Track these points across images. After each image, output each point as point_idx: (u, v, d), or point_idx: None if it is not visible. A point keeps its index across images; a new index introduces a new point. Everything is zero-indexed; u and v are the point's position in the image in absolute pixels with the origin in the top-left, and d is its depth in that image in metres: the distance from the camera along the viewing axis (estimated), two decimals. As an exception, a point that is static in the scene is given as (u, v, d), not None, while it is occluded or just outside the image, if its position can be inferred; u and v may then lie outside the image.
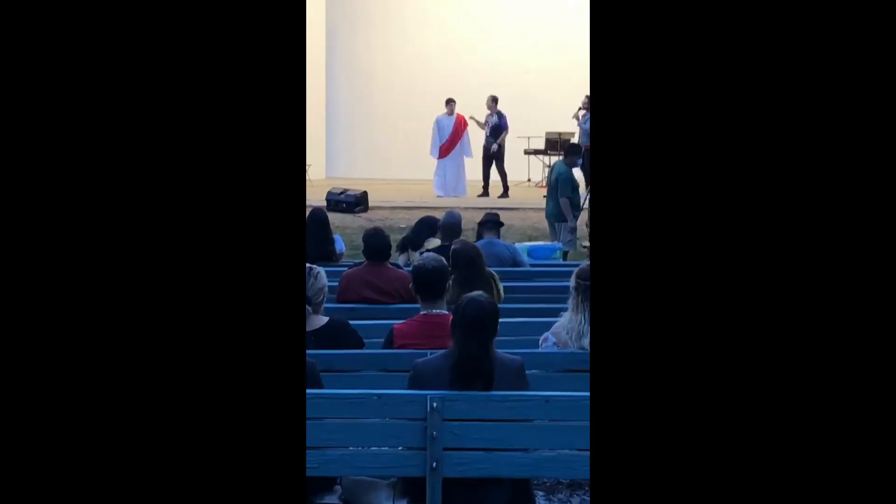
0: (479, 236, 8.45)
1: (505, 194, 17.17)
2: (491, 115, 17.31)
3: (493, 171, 17.27)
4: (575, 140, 16.49)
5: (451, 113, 17.25)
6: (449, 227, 7.66)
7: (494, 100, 17.37)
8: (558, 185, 11.12)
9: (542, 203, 11.80)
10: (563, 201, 10.98)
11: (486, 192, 17.25)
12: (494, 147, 17.15)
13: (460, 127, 17.23)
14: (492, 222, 8.47)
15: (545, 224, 11.79)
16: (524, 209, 15.06)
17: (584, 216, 11.36)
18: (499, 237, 8.46)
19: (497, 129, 17.30)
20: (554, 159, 18.32)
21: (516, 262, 8.18)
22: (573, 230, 11.03)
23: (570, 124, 17.47)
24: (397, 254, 7.78)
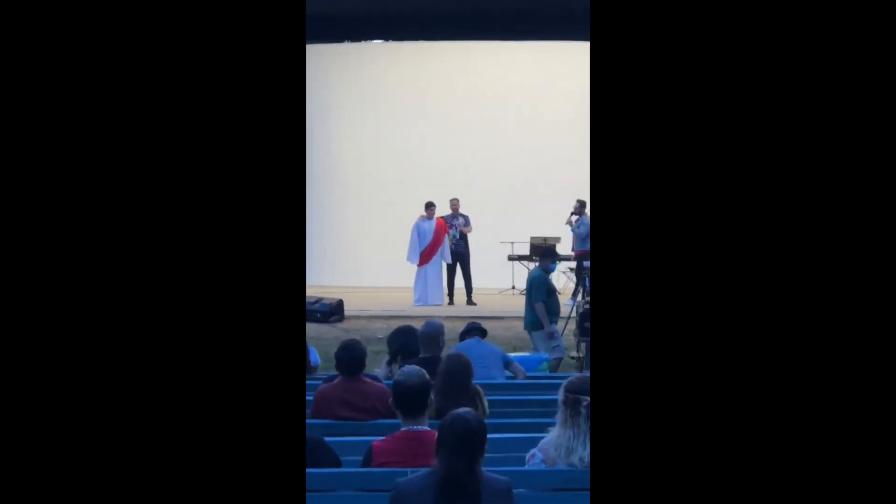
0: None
1: (471, 301, 16.98)
2: (456, 216, 17.26)
3: (458, 277, 17.13)
4: (569, 245, 16.45)
5: (430, 217, 17.13)
6: (428, 337, 7.49)
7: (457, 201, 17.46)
8: (532, 291, 10.97)
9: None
10: (539, 306, 10.82)
11: (451, 301, 17.04)
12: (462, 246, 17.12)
13: (441, 231, 17.09)
14: (476, 329, 8.52)
15: (528, 338, 11.60)
16: (508, 318, 14.78)
17: (571, 324, 11.21)
18: None
19: (464, 228, 17.35)
20: (542, 266, 18.36)
21: (507, 361, 8.37)
22: (550, 335, 10.82)
23: (557, 229, 17.43)
24: (386, 367, 7.59)
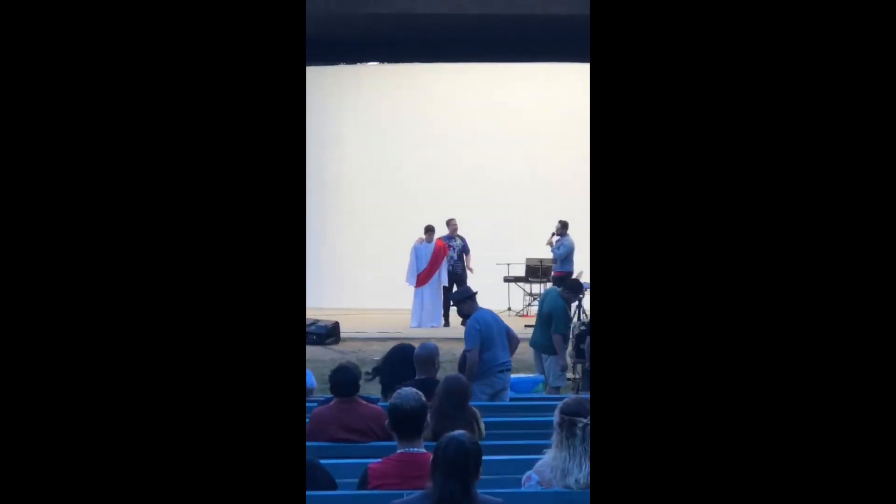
0: (466, 314, 8.95)
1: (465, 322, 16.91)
2: (453, 238, 17.25)
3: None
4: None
5: (430, 241, 17.12)
6: (423, 359, 7.49)
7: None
8: (552, 319, 10.75)
9: (524, 333, 11.53)
10: (557, 338, 10.66)
11: (447, 322, 16.98)
12: (461, 268, 17.08)
13: (440, 254, 17.07)
14: (470, 297, 8.89)
15: (527, 355, 11.47)
16: (503, 339, 14.75)
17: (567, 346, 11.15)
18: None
19: (462, 252, 17.33)
20: (535, 287, 18.29)
21: (511, 336, 8.86)
22: (564, 368, 10.77)
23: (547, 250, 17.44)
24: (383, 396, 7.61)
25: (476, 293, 9.38)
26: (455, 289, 16.98)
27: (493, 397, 8.59)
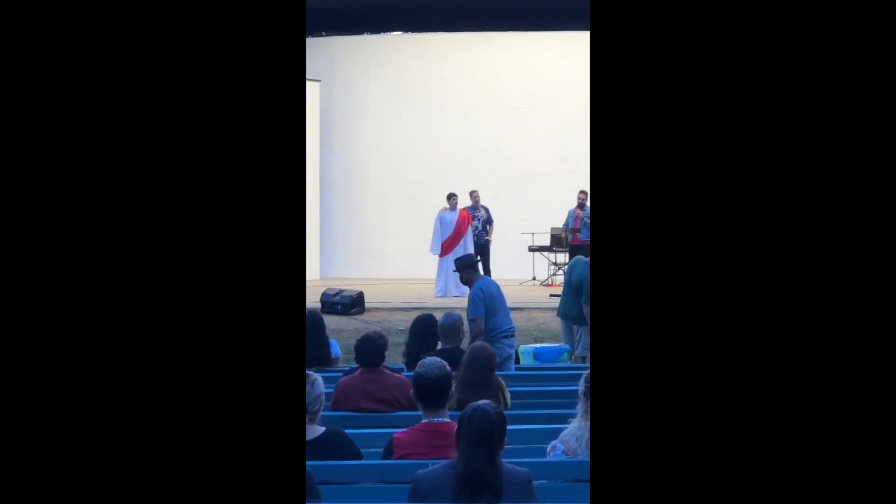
0: (467, 282, 9.05)
1: None
2: (476, 208, 17.25)
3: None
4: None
5: (453, 208, 17.11)
6: (448, 329, 7.49)
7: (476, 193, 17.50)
8: (583, 289, 10.63)
9: (549, 302, 11.46)
10: (587, 308, 10.52)
11: None
12: (486, 239, 17.10)
13: (464, 223, 17.06)
14: (472, 266, 9.05)
15: (552, 325, 11.42)
16: (529, 309, 14.71)
17: None
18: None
19: (487, 222, 17.38)
20: (559, 256, 18.26)
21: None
22: None
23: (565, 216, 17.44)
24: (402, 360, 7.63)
25: (478, 261, 9.38)
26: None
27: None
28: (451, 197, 17.16)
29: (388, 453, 4.99)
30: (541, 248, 18.69)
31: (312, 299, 14.53)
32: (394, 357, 8.32)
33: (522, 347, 9.74)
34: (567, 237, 17.13)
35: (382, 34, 21.47)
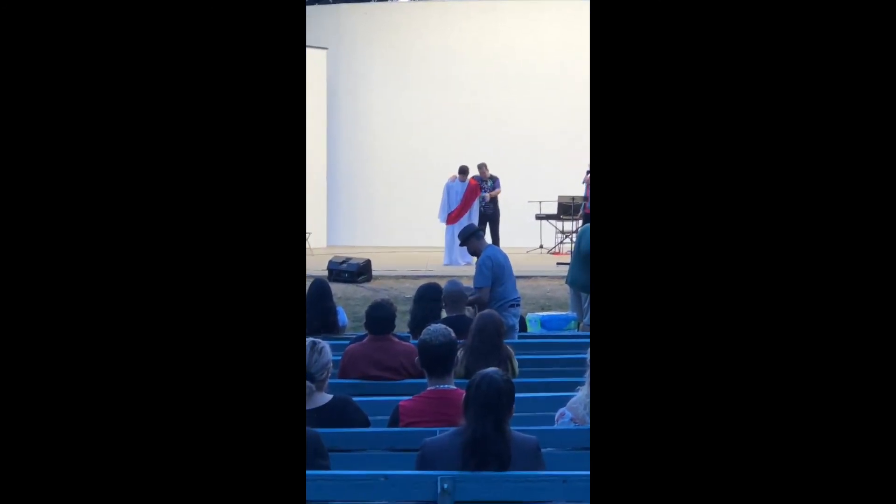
0: (474, 252, 9.00)
1: None
2: (484, 180, 17.24)
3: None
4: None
5: (463, 180, 17.08)
6: (452, 297, 7.47)
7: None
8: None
9: (556, 271, 11.45)
10: None
11: None
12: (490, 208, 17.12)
13: (473, 193, 17.04)
14: (474, 235, 9.05)
15: (559, 293, 11.40)
16: (536, 277, 14.71)
17: None
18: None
19: (492, 189, 17.45)
20: (567, 224, 18.25)
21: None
22: None
23: (583, 188, 17.38)
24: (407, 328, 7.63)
25: (482, 231, 9.36)
26: (488, 229, 17.06)
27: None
28: (463, 171, 17.13)
29: (394, 421, 4.99)
30: (548, 217, 18.68)
31: (319, 267, 14.53)
32: (400, 325, 8.32)
33: (529, 315, 9.74)
34: (582, 206, 17.07)
35: (389, 1, 21.40)
